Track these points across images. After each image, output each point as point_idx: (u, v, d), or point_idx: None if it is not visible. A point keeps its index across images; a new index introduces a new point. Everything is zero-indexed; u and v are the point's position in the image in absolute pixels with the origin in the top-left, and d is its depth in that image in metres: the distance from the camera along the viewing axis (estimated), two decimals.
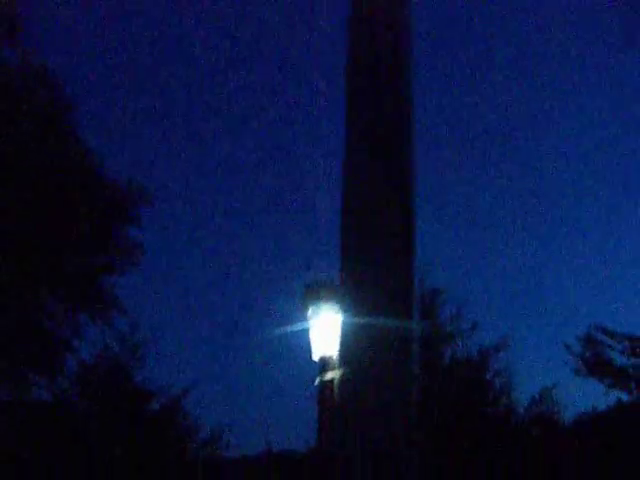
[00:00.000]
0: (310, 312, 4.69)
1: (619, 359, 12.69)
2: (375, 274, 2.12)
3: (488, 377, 11.73)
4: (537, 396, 11.79)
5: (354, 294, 2.11)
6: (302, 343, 5.16)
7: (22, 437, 11.24)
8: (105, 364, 11.60)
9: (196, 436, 12.10)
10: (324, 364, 4.72)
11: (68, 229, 12.03)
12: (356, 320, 2.00)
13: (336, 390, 2.08)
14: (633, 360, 12.69)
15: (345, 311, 2.03)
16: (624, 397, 12.77)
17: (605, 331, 12.73)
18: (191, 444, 12.03)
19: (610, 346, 12.67)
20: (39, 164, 11.63)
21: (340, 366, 2.01)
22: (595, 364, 12.63)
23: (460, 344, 11.62)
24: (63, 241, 12.03)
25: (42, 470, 10.90)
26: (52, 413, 11.52)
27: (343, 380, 2.17)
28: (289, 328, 5.29)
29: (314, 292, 4.74)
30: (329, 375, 4.23)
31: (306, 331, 4.85)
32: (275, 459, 13.26)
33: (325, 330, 4.63)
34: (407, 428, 2.09)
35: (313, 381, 4.69)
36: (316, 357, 4.60)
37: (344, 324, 1.85)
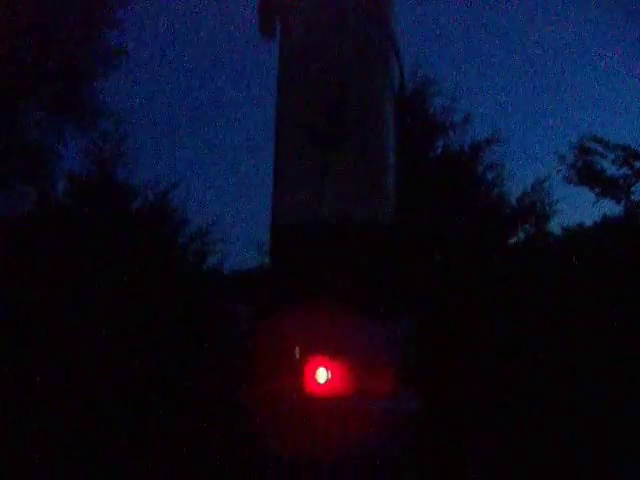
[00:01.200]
0: None
1: (610, 169, 12.74)
2: None
3: (480, 170, 11.76)
4: (529, 187, 11.86)
5: None
6: None
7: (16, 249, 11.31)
8: (91, 164, 11.51)
9: (185, 230, 12.26)
10: None
11: (47, 34, 11.55)
12: None
13: None
14: (624, 170, 12.74)
15: None
16: (613, 207, 12.93)
17: (598, 140, 12.67)
18: (180, 239, 12.20)
19: (602, 155, 12.67)
20: None
21: None
22: (586, 173, 12.66)
23: (452, 136, 11.56)
24: (43, 47, 11.58)
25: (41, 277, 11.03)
26: (44, 223, 11.54)
27: None
28: None
29: None
30: None
31: None
32: None
33: None
34: None
35: None
36: None
37: None
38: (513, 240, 11.70)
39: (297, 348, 2.36)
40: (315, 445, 2.47)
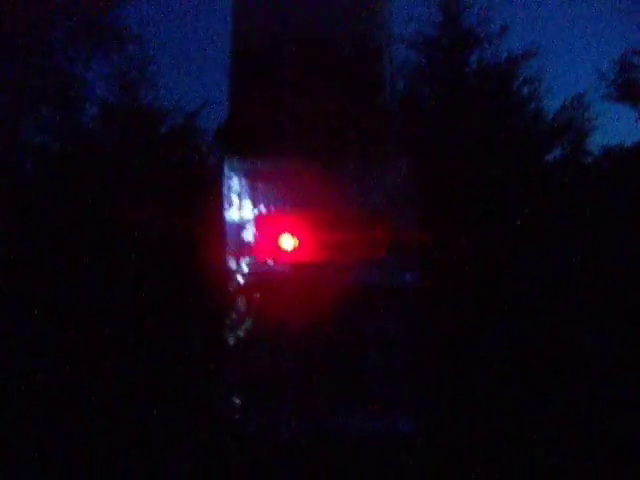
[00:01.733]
0: None
1: None
2: None
3: (516, 85, 11.26)
4: (568, 102, 11.29)
5: None
6: None
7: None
8: (117, 89, 11.40)
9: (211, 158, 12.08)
10: None
11: None
12: None
13: None
14: None
15: None
16: None
17: None
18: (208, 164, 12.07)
19: None
20: None
21: None
22: (628, 89, 12.07)
23: (487, 49, 11.04)
24: None
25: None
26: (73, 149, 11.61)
27: None
28: None
29: None
30: None
31: None
32: None
33: None
34: None
35: None
36: None
37: None
38: (549, 157, 11.26)
39: (253, 208, 1.95)
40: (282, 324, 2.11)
